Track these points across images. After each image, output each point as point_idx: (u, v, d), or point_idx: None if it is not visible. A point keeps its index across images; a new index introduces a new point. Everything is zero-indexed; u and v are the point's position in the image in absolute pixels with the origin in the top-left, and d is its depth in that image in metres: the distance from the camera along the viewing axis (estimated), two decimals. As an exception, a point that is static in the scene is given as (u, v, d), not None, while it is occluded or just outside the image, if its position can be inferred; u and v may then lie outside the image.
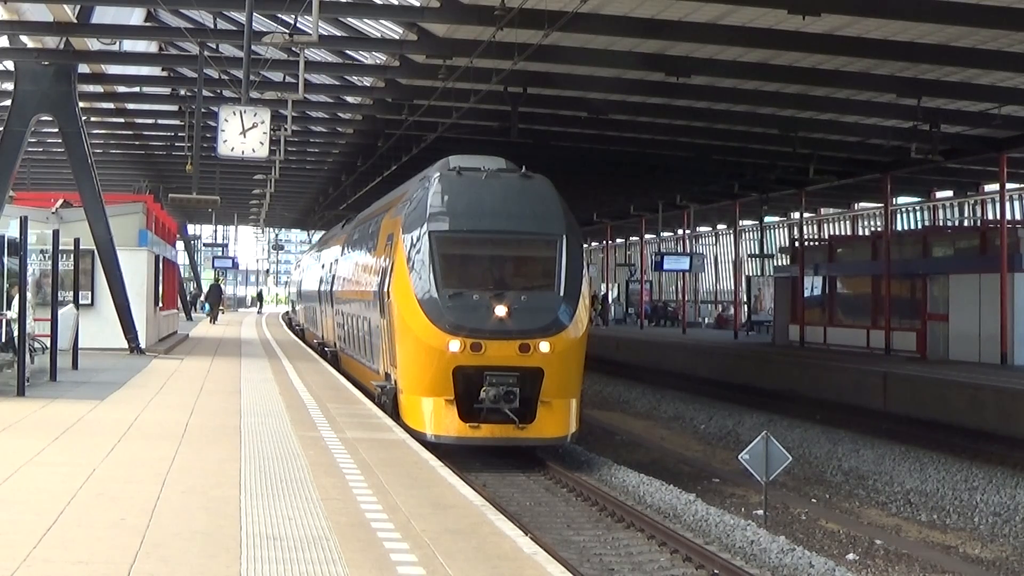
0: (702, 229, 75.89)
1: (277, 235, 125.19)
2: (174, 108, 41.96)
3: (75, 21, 27.36)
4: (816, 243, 52.37)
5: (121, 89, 38.49)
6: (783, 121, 35.72)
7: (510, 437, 20.02)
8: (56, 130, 32.84)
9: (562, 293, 20.48)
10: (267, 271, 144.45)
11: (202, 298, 76.90)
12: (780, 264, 56.13)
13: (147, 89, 40.06)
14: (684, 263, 58.43)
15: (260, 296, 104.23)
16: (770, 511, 18.19)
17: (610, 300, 74.53)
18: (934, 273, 38.56)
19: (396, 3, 28.37)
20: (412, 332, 20.33)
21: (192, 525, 9.40)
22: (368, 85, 35.88)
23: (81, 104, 31.20)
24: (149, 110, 43.40)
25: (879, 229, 47.80)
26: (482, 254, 21.27)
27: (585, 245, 32.63)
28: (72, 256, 27.72)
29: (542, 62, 28.16)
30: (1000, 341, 34.19)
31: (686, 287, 65.04)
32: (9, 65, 31.06)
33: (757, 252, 65.69)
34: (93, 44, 30.01)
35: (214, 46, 32.29)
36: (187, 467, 12.33)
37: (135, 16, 32.81)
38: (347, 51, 34.45)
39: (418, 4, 26.55)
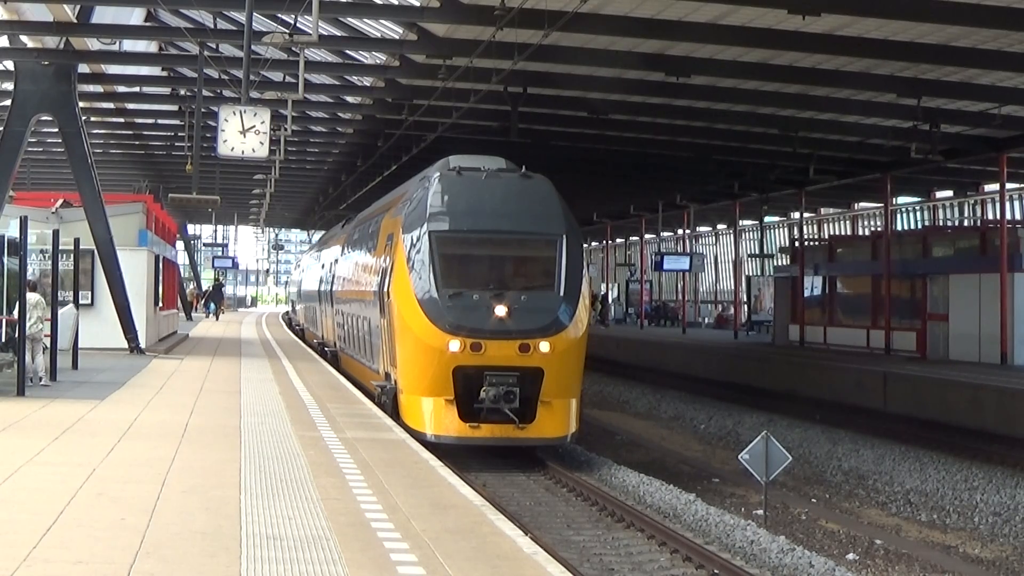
0: (702, 229, 75.88)
1: (277, 235, 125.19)
2: (174, 108, 41.96)
3: (75, 21, 27.36)
4: (816, 243, 52.37)
5: (121, 89, 38.50)
6: (783, 121, 35.71)
7: (510, 437, 20.02)
8: (56, 130, 32.84)
9: (562, 293, 20.48)
10: (267, 271, 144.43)
11: (202, 300, 76.80)
12: (780, 264, 56.13)
13: (147, 89, 40.07)
14: (684, 263, 58.43)
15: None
16: (770, 511, 18.18)
17: (610, 300, 74.52)
18: (934, 273, 38.56)
19: (396, 3, 28.36)
20: (412, 332, 20.33)
21: (192, 525, 9.40)
22: (368, 85, 35.88)
23: (81, 104, 31.22)
24: (149, 110, 43.40)
25: (879, 229, 47.80)
26: (482, 254, 21.26)
27: (585, 245, 32.62)
28: (72, 256, 27.73)
29: (542, 62, 28.16)
30: (1000, 341, 34.18)
31: (686, 287, 65.04)
32: (9, 65, 31.07)
33: (757, 252, 65.69)
34: (93, 44, 30.01)
35: (214, 46, 32.28)
36: (187, 467, 12.33)
37: (135, 16, 32.81)
38: (347, 51, 34.44)
39: (418, 4, 26.55)
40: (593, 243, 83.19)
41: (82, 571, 7.89)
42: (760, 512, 18.02)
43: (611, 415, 33.20)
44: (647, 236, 72.41)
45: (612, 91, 32.81)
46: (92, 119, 40.87)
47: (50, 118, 31.01)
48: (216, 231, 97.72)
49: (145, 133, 47.83)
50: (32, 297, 20.41)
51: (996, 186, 40.88)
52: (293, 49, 25.30)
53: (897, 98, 30.42)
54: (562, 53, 27.84)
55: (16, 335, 20.11)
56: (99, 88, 37.48)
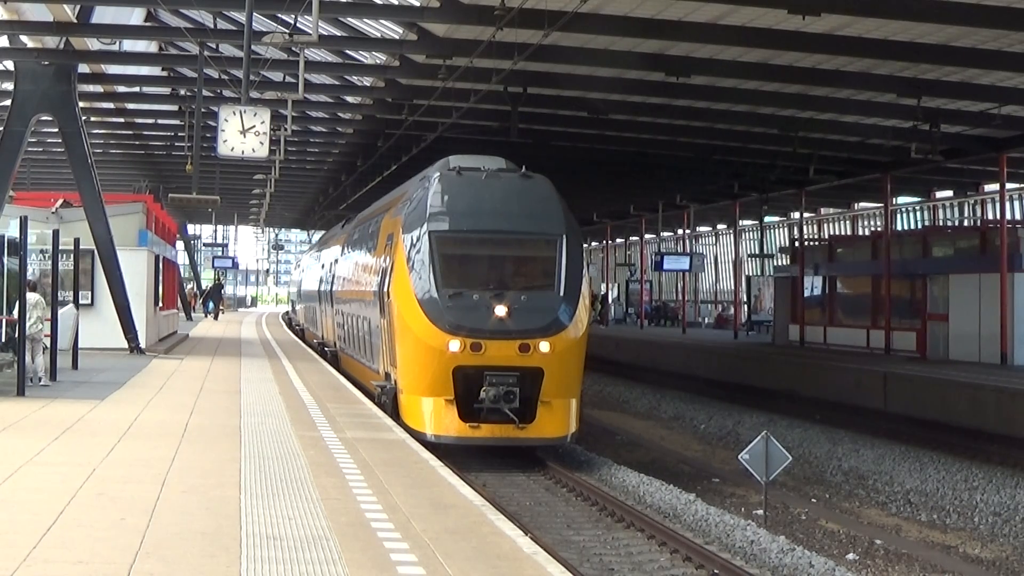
0: (702, 229, 75.88)
1: (277, 235, 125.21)
2: (174, 108, 41.97)
3: (75, 21, 27.36)
4: (816, 243, 52.37)
5: (121, 89, 38.50)
6: (783, 121, 35.71)
7: (510, 437, 20.02)
8: (56, 130, 32.84)
9: (562, 293, 20.48)
10: (267, 271, 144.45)
11: (201, 299, 76.72)
12: (780, 264, 56.12)
13: (147, 89, 40.06)
14: (684, 263, 58.43)
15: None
16: (770, 511, 18.18)
17: (610, 300, 74.52)
18: (934, 273, 38.55)
19: (396, 3, 28.36)
20: (412, 332, 20.33)
21: (192, 525, 9.40)
22: (368, 85, 35.87)
23: (81, 104, 31.22)
24: (149, 110, 43.40)
25: (879, 229, 47.80)
26: (482, 254, 21.26)
27: (585, 245, 32.62)
28: (72, 256, 27.73)
29: (542, 62, 28.15)
30: (1000, 341, 34.18)
31: (686, 287, 65.04)
32: (9, 65, 31.07)
33: (757, 252, 65.70)
34: (93, 44, 30.01)
35: (214, 46, 32.29)
36: (187, 467, 12.33)
37: (135, 16, 32.82)
38: (347, 51, 34.44)
39: (418, 4, 26.55)
40: (593, 243, 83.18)
41: (82, 571, 7.89)
42: (760, 512, 18.02)
43: (611, 415, 33.19)
44: (647, 236, 72.41)
45: (612, 91, 32.80)
46: (92, 119, 40.86)
47: (50, 118, 31.00)
48: (216, 231, 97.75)
49: (145, 133, 47.83)
50: (32, 297, 20.41)
51: (996, 186, 40.88)
52: (293, 49, 25.31)
53: (897, 98, 30.40)
54: (562, 53, 27.83)
55: (16, 335, 20.11)
56: (99, 88, 37.47)
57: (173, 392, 20.93)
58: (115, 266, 29.73)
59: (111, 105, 40.61)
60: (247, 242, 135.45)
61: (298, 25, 25.85)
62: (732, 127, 37.22)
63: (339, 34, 31.07)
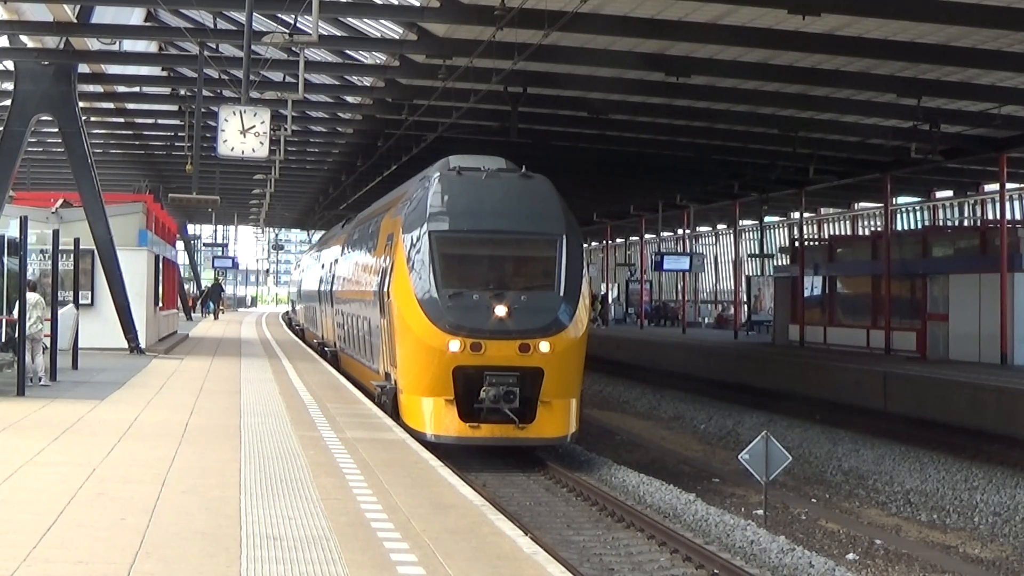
0: (702, 229, 75.88)
1: (277, 235, 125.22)
2: (174, 108, 41.97)
3: (75, 21, 27.37)
4: (816, 243, 52.37)
5: (121, 89, 38.51)
6: (783, 121, 35.71)
7: (510, 437, 20.02)
8: (56, 130, 32.85)
9: (562, 293, 20.48)
10: (267, 271, 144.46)
11: (200, 300, 76.67)
12: (780, 264, 56.13)
13: (147, 89, 40.07)
14: (684, 263, 58.44)
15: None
16: (770, 511, 18.18)
17: (610, 300, 74.52)
18: (934, 273, 38.56)
19: (396, 3, 28.36)
20: (412, 332, 20.33)
21: (192, 525, 9.41)
22: (368, 85, 35.88)
23: (81, 104, 31.22)
24: (149, 110, 43.41)
25: (879, 229, 47.80)
26: (482, 254, 21.25)
27: (585, 245, 32.62)
28: (72, 256, 27.75)
29: (542, 62, 28.16)
30: (1000, 341, 34.18)
31: (686, 287, 65.04)
32: (9, 65, 31.08)
33: (757, 252, 65.70)
34: (93, 44, 30.01)
35: (214, 46, 32.29)
36: (187, 467, 12.34)
37: (135, 16, 32.82)
38: (347, 51, 34.45)
39: (418, 4, 26.56)
40: (593, 243, 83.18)
41: (82, 571, 7.89)
42: (760, 512, 18.02)
43: (611, 415, 33.20)
44: (647, 236, 72.39)
45: (612, 91, 32.80)
46: (92, 119, 40.87)
47: (50, 118, 31.01)
48: (216, 231, 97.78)
49: (145, 133, 47.84)
50: (32, 297, 20.42)
51: (996, 186, 40.88)
52: (293, 49, 25.31)
53: (897, 98, 30.41)
54: (562, 53, 27.83)
55: (16, 335, 20.12)
56: (99, 88, 37.48)
57: (173, 392, 20.93)
58: (115, 266, 29.74)
59: (111, 105, 40.61)
60: (247, 242, 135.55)
61: (298, 25, 25.84)
62: (732, 127, 37.22)
63: (339, 34, 31.07)
